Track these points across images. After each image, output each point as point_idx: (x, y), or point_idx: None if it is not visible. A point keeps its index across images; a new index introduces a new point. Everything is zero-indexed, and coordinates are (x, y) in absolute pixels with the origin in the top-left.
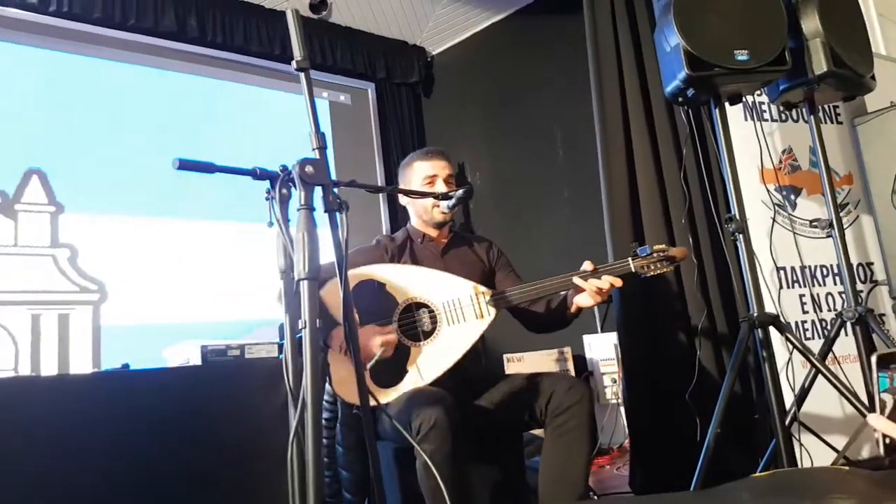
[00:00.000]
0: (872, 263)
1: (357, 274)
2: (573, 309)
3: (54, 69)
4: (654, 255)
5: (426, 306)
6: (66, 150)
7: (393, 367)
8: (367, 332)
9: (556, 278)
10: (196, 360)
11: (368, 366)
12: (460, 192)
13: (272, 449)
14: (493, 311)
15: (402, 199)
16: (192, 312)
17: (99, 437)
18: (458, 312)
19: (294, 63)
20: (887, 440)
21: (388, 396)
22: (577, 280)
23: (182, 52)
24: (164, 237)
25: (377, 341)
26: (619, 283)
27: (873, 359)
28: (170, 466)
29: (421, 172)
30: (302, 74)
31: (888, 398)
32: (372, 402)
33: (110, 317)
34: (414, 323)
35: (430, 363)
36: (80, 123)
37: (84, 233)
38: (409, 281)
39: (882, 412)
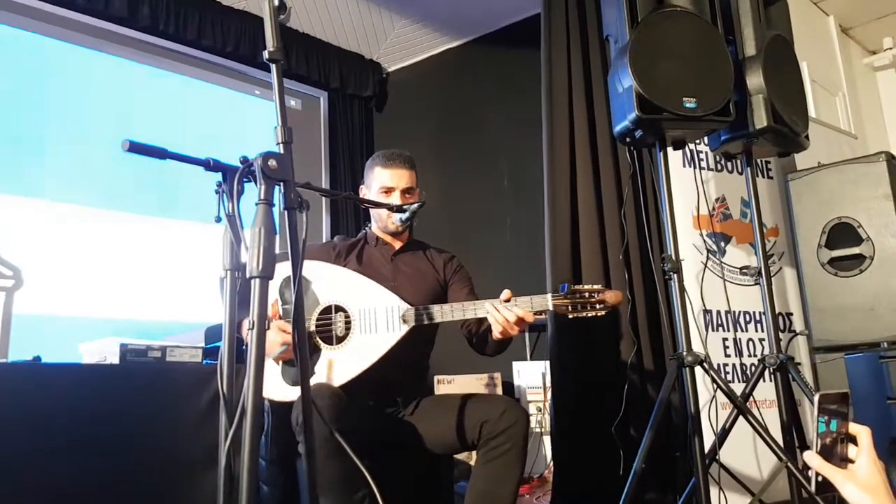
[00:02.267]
0: (792, 314)
1: (285, 268)
2: (494, 336)
3: None
4: (578, 294)
5: (344, 310)
6: None
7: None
8: (273, 326)
9: (474, 302)
10: (114, 358)
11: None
12: (414, 206)
13: (189, 457)
14: (404, 326)
15: None
16: (112, 308)
17: (5, 429)
18: (372, 322)
19: (266, 53)
20: (819, 478)
21: (295, 395)
22: (488, 306)
23: (130, 38)
24: (88, 227)
25: (278, 339)
26: (529, 318)
27: (816, 398)
28: (77, 465)
29: (379, 181)
30: (273, 66)
31: (821, 440)
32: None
33: (24, 305)
34: (330, 325)
35: (338, 367)
36: (10, 100)
37: (3, 215)
38: (335, 283)
39: (815, 450)
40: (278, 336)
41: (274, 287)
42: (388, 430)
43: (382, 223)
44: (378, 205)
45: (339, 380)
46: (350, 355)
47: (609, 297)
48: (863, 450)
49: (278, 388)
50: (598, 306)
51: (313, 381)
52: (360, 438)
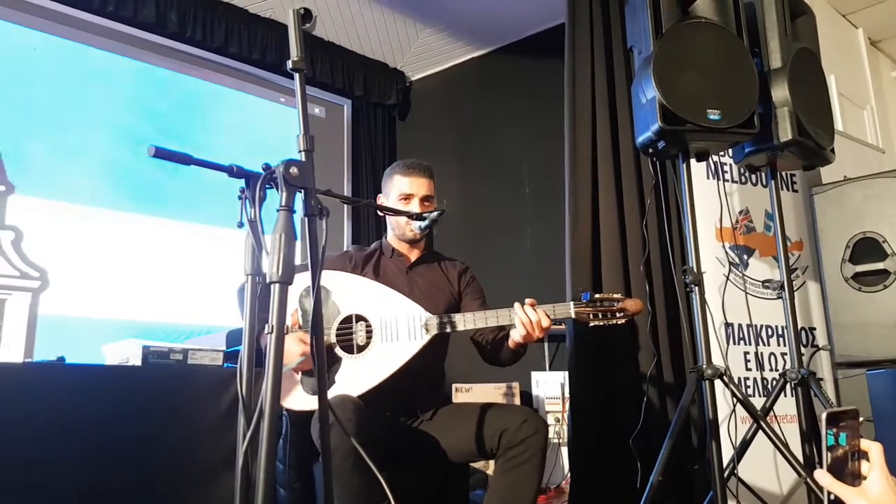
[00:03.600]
0: (815, 329)
1: (304, 279)
2: (510, 343)
3: (23, 46)
4: (599, 303)
5: (365, 320)
6: (24, 130)
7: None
8: (293, 337)
9: (496, 311)
10: (136, 360)
11: (285, 369)
12: (434, 214)
13: (209, 459)
14: (426, 334)
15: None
16: (135, 310)
17: (28, 428)
18: (393, 330)
19: (290, 63)
20: (832, 496)
21: (314, 404)
22: (516, 306)
23: (158, 45)
24: (113, 230)
25: (297, 350)
26: (546, 322)
27: (823, 416)
28: (98, 465)
29: (398, 188)
30: (297, 75)
31: (831, 455)
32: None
33: (49, 306)
34: (350, 334)
35: (358, 376)
36: (41, 104)
37: (32, 217)
38: (355, 292)
39: (825, 467)
40: (297, 346)
41: (293, 296)
42: (406, 439)
43: (400, 230)
44: (398, 212)
45: (359, 388)
46: (371, 364)
47: (629, 305)
48: (874, 466)
49: (299, 397)
50: (618, 314)
51: (334, 390)
52: (379, 448)
